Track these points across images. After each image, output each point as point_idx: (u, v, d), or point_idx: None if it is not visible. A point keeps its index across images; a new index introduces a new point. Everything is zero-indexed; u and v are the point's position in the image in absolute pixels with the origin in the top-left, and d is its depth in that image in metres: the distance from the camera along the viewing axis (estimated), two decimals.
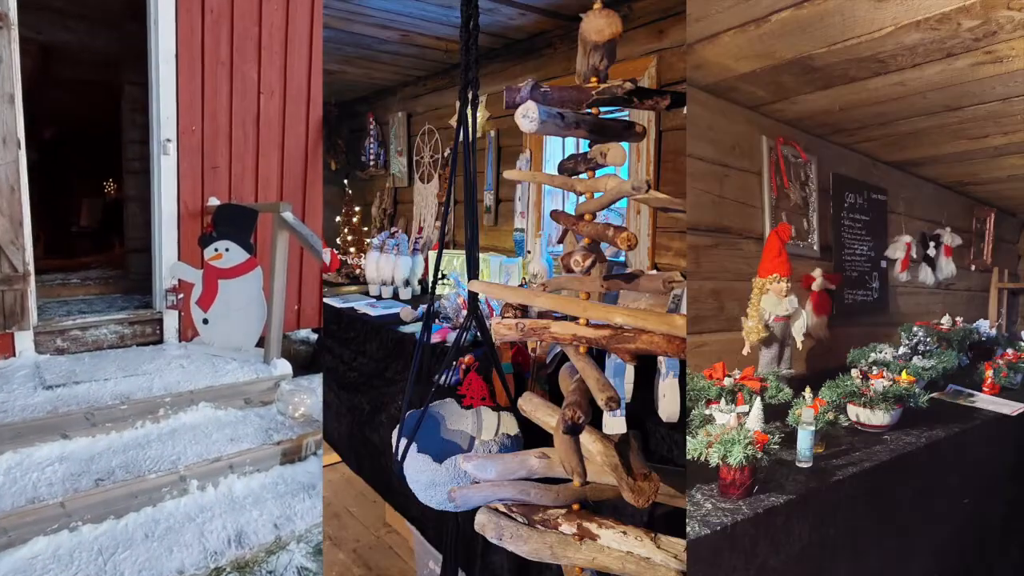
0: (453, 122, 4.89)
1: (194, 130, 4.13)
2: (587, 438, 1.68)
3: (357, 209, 6.00)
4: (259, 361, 3.82)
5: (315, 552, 2.67)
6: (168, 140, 4.03)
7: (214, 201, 4.20)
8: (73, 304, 4.34)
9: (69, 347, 3.82)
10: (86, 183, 8.76)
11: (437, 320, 3.06)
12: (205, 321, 4.05)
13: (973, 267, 4.29)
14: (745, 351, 2.61)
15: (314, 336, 4.70)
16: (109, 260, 6.48)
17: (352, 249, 5.68)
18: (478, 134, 4.54)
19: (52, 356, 3.72)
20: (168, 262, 4.09)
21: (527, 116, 1.50)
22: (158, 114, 4.01)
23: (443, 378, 2.20)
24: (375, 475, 3.29)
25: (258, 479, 3.05)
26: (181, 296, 4.09)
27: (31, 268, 3.57)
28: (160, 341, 4.12)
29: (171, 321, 4.14)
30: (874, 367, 2.60)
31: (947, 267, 3.83)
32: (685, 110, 2.67)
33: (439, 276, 2.28)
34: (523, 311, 2.03)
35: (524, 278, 3.91)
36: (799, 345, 2.67)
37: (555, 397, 2.03)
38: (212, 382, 3.50)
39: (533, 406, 1.90)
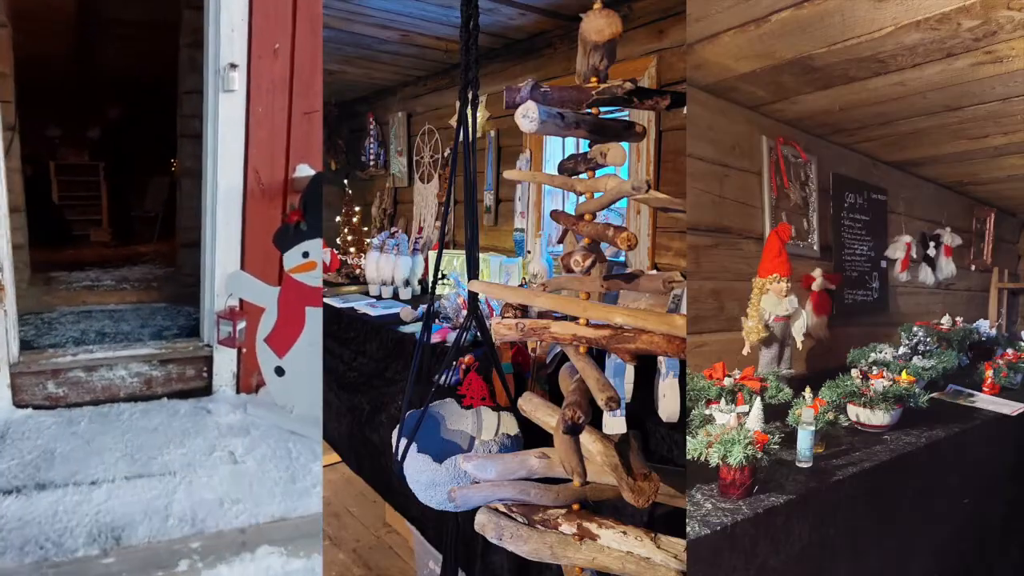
0: (453, 122, 4.88)
1: (277, 49, 2.51)
2: (587, 438, 1.68)
3: (357, 209, 6.00)
4: None
5: None
6: (232, 66, 2.43)
7: (305, 171, 2.68)
8: (94, 319, 3.12)
9: (66, 395, 2.61)
10: (156, 159, 6.82)
11: (437, 320, 3.06)
12: (280, 372, 2.60)
13: (973, 267, 4.29)
14: (745, 351, 2.61)
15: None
16: (163, 252, 5.02)
17: (352, 249, 5.68)
18: (478, 134, 4.53)
19: (34, 412, 2.50)
20: (225, 270, 2.64)
21: (527, 116, 1.50)
22: (216, 26, 2.42)
23: (443, 378, 2.20)
24: (375, 475, 3.29)
25: None
26: (243, 326, 2.61)
27: (6, 278, 2.48)
28: (207, 391, 2.77)
29: (225, 361, 2.76)
30: (874, 367, 2.60)
31: (947, 267, 3.83)
32: (685, 110, 2.66)
33: (439, 276, 2.27)
34: (523, 311, 2.03)
35: (524, 278, 3.91)
36: (799, 345, 2.67)
37: (555, 397, 2.03)
38: (285, 507, 1.94)
39: (533, 406, 1.90)
